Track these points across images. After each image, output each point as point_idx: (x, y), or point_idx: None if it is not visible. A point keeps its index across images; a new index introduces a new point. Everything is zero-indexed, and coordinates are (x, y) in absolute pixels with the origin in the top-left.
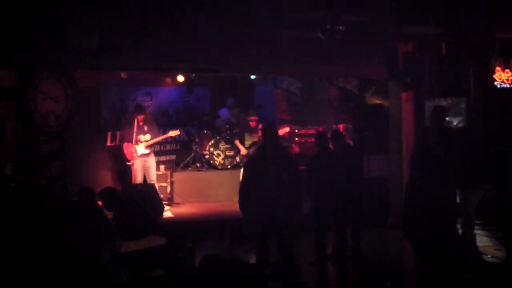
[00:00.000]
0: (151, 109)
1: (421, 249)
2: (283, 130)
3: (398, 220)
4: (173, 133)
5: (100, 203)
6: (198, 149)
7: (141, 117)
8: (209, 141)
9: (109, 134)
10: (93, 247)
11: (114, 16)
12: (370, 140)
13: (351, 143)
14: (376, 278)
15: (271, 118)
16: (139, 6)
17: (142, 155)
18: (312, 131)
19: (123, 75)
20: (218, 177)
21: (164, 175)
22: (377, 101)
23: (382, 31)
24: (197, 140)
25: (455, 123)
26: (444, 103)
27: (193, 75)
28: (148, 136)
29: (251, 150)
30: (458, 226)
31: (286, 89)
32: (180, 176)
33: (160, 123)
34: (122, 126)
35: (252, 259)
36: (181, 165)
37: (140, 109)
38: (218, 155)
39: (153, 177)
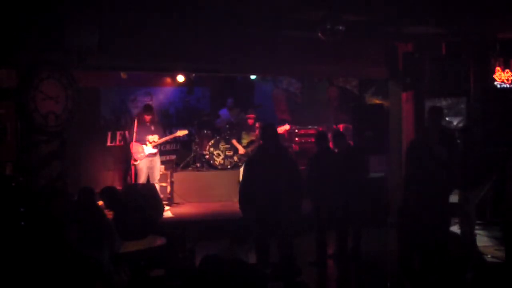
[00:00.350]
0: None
1: (417, 247)
2: (283, 128)
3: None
4: (181, 132)
5: (100, 203)
6: (198, 149)
7: (148, 117)
8: (209, 141)
9: (109, 134)
10: (93, 247)
11: (114, 16)
12: (370, 140)
13: (351, 143)
14: (376, 278)
15: (271, 118)
16: (139, 6)
17: (150, 155)
18: (312, 131)
19: (123, 75)
20: (218, 177)
21: (164, 175)
22: (377, 101)
23: (382, 31)
24: (197, 140)
25: (455, 123)
26: (444, 103)
27: (193, 75)
28: (156, 136)
29: (250, 148)
30: (458, 226)
31: (286, 89)
32: (180, 176)
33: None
34: (128, 126)
35: (252, 259)
36: (181, 165)
37: (149, 109)
38: (218, 155)
39: (157, 177)
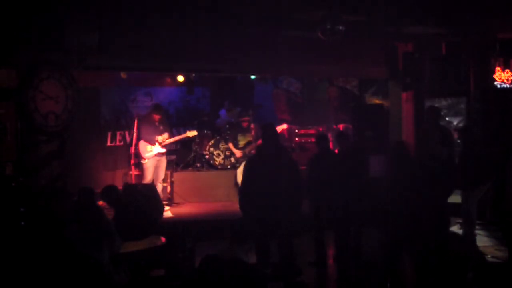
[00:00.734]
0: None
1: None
2: (281, 127)
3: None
4: (190, 133)
5: (100, 202)
6: (198, 149)
7: (158, 117)
8: (209, 141)
9: (109, 134)
10: (93, 247)
11: (114, 16)
12: (370, 140)
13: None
14: (376, 278)
15: (271, 118)
16: (139, 6)
17: (158, 154)
18: (312, 131)
19: (123, 75)
20: (218, 177)
21: (164, 175)
22: (377, 101)
23: (382, 31)
24: (197, 140)
25: (455, 123)
26: (444, 103)
27: (193, 75)
28: (166, 135)
29: (247, 149)
30: (458, 226)
31: (286, 89)
32: (180, 176)
33: None
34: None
35: (252, 259)
36: (181, 165)
37: (159, 108)
38: (218, 155)
39: (161, 177)
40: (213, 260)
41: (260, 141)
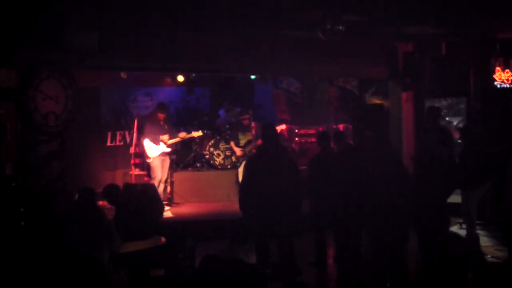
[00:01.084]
0: (151, 109)
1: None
2: (280, 127)
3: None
4: (196, 133)
5: (100, 202)
6: (198, 149)
7: (162, 116)
8: (209, 141)
9: (109, 134)
10: (93, 247)
11: (114, 16)
12: (369, 140)
13: (351, 143)
14: (376, 278)
15: (271, 118)
16: (139, 6)
17: (162, 154)
18: (312, 131)
19: (123, 75)
20: (218, 177)
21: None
22: (377, 101)
23: (382, 31)
24: (197, 140)
25: (455, 123)
26: (444, 103)
27: (193, 75)
28: (174, 135)
29: (247, 148)
30: (458, 226)
31: (286, 89)
32: (180, 176)
33: None
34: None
35: (252, 259)
36: (181, 165)
37: (164, 107)
38: (218, 155)
39: (165, 177)
40: (213, 260)
41: (260, 141)
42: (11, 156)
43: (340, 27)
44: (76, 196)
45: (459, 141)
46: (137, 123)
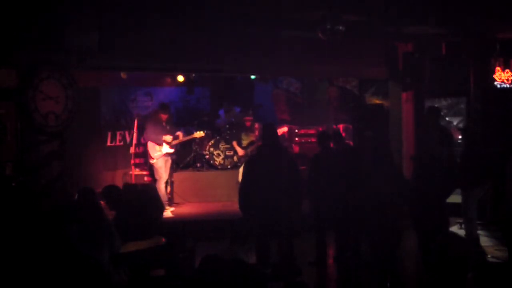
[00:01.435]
0: (151, 109)
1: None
2: (282, 130)
3: None
4: (198, 134)
5: (102, 202)
6: (198, 149)
7: (165, 116)
8: (209, 141)
9: (109, 134)
10: (93, 247)
11: (114, 16)
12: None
13: (351, 143)
14: (376, 278)
15: (271, 118)
16: (139, 6)
17: (166, 154)
18: (312, 131)
19: (123, 75)
20: (218, 177)
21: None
22: (377, 101)
23: (382, 31)
24: (197, 140)
25: (455, 123)
26: (444, 103)
27: (193, 75)
28: (177, 135)
29: (249, 149)
30: (458, 226)
31: (286, 89)
32: (180, 176)
33: None
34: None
35: (252, 259)
36: (181, 165)
37: (165, 108)
38: (218, 155)
39: (167, 177)
40: (213, 260)
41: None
42: (11, 156)
43: (340, 27)
44: (76, 196)
45: (459, 141)
46: (137, 123)
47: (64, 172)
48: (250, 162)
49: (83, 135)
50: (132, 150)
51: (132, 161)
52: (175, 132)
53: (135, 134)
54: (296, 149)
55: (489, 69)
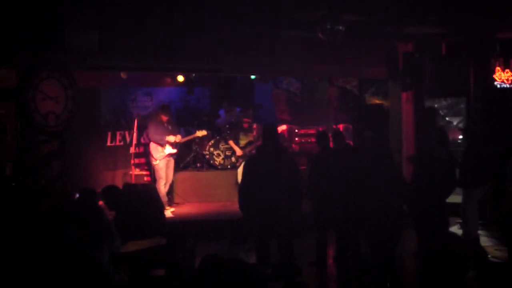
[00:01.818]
0: (151, 109)
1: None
2: (280, 128)
3: None
4: (200, 133)
5: (101, 202)
6: (198, 149)
7: (166, 118)
8: (209, 141)
9: (109, 134)
10: (93, 247)
11: (114, 16)
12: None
13: (351, 143)
14: (376, 278)
15: (271, 118)
16: (139, 6)
17: (169, 155)
18: (312, 131)
19: (123, 75)
20: (218, 177)
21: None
22: (377, 101)
23: (382, 31)
24: (197, 140)
25: (455, 123)
26: (444, 103)
27: (193, 75)
28: (179, 137)
29: (247, 149)
30: (458, 226)
31: (286, 89)
32: (180, 176)
33: None
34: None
35: (252, 259)
36: (181, 165)
37: (166, 109)
38: (218, 155)
39: (171, 177)
40: (213, 260)
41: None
42: (11, 156)
43: (340, 27)
44: (76, 196)
45: (459, 141)
46: (137, 123)
47: (64, 172)
48: (250, 162)
49: (83, 135)
50: (132, 150)
51: (132, 161)
52: (177, 133)
53: (135, 134)
54: (296, 149)
55: (489, 69)
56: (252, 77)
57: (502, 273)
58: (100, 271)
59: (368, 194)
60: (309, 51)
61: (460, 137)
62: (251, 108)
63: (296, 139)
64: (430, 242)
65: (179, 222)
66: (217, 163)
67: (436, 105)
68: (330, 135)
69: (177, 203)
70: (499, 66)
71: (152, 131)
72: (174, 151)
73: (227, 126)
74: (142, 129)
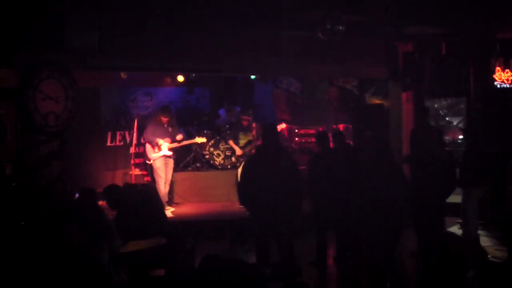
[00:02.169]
0: (151, 109)
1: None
2: (280, 127)
3: None
4: (199, 139)
5: (101, 202)
6: (198, 149)
7: (165, 119)
8: (209, 141)
9: (109, 134)
10: (93, 247)
11: (114, 16)
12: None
13: (351, 143)
14: (376, 278)
15: (271, 118)
16: (139, 6)
17: (164, 156)
18: (312, 131)
19: (123, 75)
20: (218, 177)
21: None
22: (377, 101)
23: (382, 31)
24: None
25: (455, 123)
26: (444, 103)
27: (193, 75)
28: (180, 136)
29: (247, 149)
30: (458, 225)
31: (286, 89)
32: (180, 176)
33: None
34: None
35: (252, 259)
36: (181, 165)
37: (166, 110)
38: (218, 155)
39: (170, 177)
40: (213, 260)
41: (260, 141)
42: (11, 156)
43: (340, 27)
44: (76, 196)
45: (459, 141)
46: (137, 123)
47: (64, 172)
48: (250, 161)
49: (83, 135)
50: (132, 150)
51: (132, 161)
52: (178, 134)
53: (135, 134)
54: (296, 149)
55: (489, 69)
56: (252, 77)
57: (502, 273)
58: (100, 271)
59: (368, 194)
60: (309, 51)
61: (460, 137)
62: (251, 108)
63: (296, 139)
64: (430, 242)
65: (179, 222)
66: (217, 163)
67: (436, 105)
68: (330, 135)
69: (177, 203)
70: (499, 66)
71: (149, 131)
72: (170, 153)
73: (227, 126)
74: (142, 129)
